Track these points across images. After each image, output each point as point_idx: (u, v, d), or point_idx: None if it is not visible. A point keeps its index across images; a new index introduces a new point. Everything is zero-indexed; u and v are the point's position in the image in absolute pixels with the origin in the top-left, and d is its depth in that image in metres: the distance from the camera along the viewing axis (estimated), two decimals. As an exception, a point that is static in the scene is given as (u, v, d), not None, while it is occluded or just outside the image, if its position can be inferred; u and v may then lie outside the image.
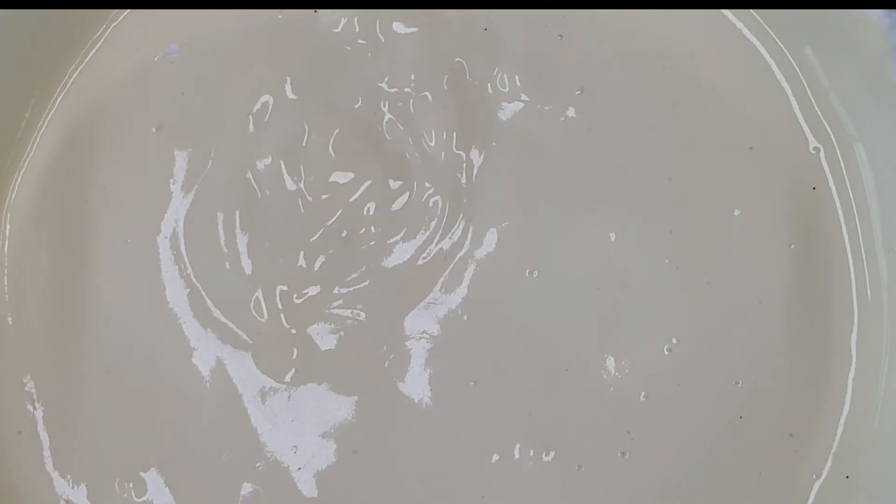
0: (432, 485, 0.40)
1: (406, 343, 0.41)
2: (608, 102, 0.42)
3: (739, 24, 0.43)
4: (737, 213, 0.41)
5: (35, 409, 0.41)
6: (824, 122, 0.42)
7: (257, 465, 0.40)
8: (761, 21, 0.42)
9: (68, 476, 0.41)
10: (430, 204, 0.41)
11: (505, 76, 0.42)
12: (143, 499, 0.40)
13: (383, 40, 0.43)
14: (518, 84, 0.42)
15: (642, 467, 0.40)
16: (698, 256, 0.41)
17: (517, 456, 0.40)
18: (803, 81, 0.42)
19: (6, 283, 0.42)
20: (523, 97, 0.42)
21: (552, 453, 0.40)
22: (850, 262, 0.41)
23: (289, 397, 0.40)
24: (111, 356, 0.41)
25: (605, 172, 0.42)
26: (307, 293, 0.41)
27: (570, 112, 0.42)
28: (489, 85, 0.42)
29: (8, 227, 0.43)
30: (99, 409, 0.41)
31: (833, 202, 0.41)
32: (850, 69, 0.41)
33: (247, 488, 0.40)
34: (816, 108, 0.42)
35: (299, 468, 0.40)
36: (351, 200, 0.42)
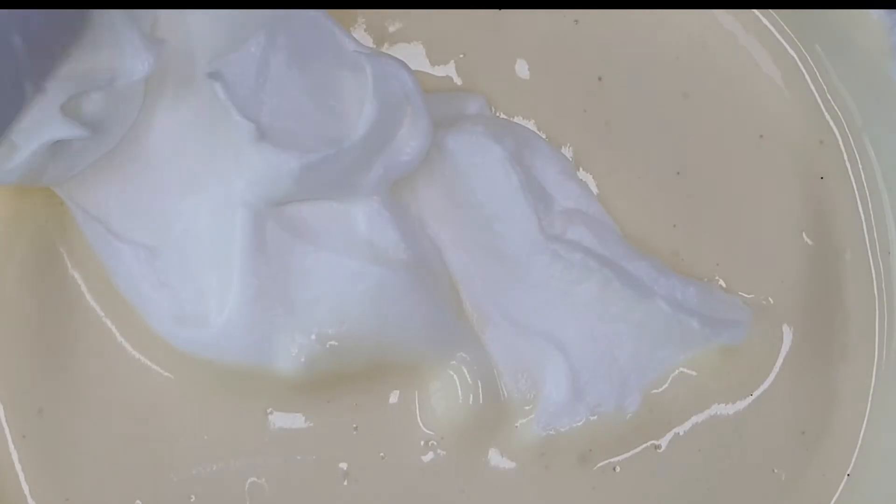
0: None
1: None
2: (621, 93, 0.42)
3: (751, 16, 0.43)
4: (745, 202, 0.42)
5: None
6: (836, 111, 0.42)
7: None
8: (774, 14, 0.43)
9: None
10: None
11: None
12: None
13: None
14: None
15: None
16: (704, 250, 0.42)
17: None
18: (816, 73, 0.43)
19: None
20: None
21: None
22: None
23: None
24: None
25: (614, 165, 0.42)
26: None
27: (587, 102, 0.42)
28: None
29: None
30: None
31: (841, 192, 0.42)
32: (854, 67, 0.41)
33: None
34: (828, 97, 0.42)
35: None
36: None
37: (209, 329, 0.38)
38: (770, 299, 0.41)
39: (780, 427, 0.41)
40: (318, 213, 0.38)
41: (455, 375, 0.39)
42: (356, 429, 0.40)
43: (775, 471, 0.41)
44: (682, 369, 0.40)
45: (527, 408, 0.40)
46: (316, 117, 0.38)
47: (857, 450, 0.41)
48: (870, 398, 0.41)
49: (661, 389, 0.40)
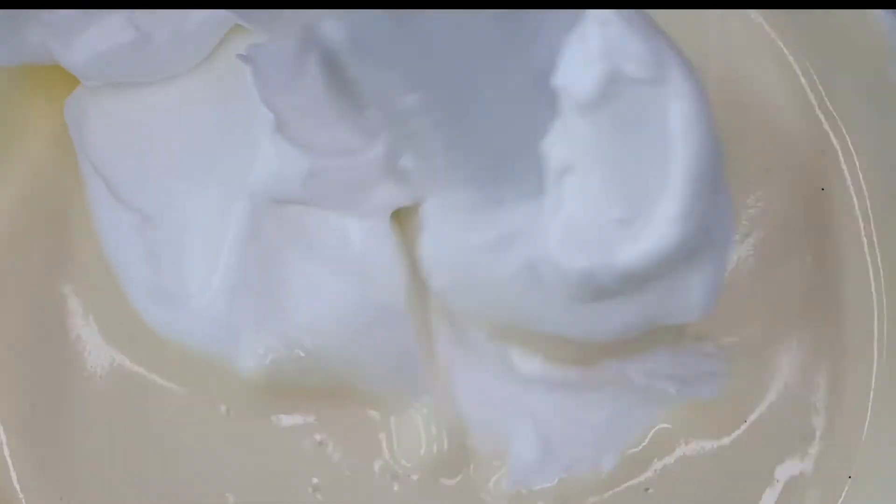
0: None
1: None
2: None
3: (748, 23, 0.43)
4: (743, 214, 0.42)
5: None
6: (835, 116, 0.42)
7: None
8: (774, 15, 0.43)
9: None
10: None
11: None
12: None
13: None
14: None
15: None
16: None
17: None
18: (815, 76, 0.42)
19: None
20: None
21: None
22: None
23: None
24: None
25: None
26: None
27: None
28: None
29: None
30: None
31: (841, 197, 0.42)
32: (855, 70, 0.41)
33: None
34: (828, 101, 0.42)
35: None
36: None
37: (184, 310, 0.37)
38: (763, 315, 0.41)
39: (781, 429, 0.40)
40: (316, 221, 0.38)
41: (419, 418, 0.39)
42: (320, 443, 0.40)
43: (776, 475, 0.40)
44: (661, 425, 0.39)
45: (495, 463, 0.39)
46: (337, 125, 0.37)
47: (858, 452, 0.41)
48: (870, 399, 0.41)
49: (639, 448, 0.39)
